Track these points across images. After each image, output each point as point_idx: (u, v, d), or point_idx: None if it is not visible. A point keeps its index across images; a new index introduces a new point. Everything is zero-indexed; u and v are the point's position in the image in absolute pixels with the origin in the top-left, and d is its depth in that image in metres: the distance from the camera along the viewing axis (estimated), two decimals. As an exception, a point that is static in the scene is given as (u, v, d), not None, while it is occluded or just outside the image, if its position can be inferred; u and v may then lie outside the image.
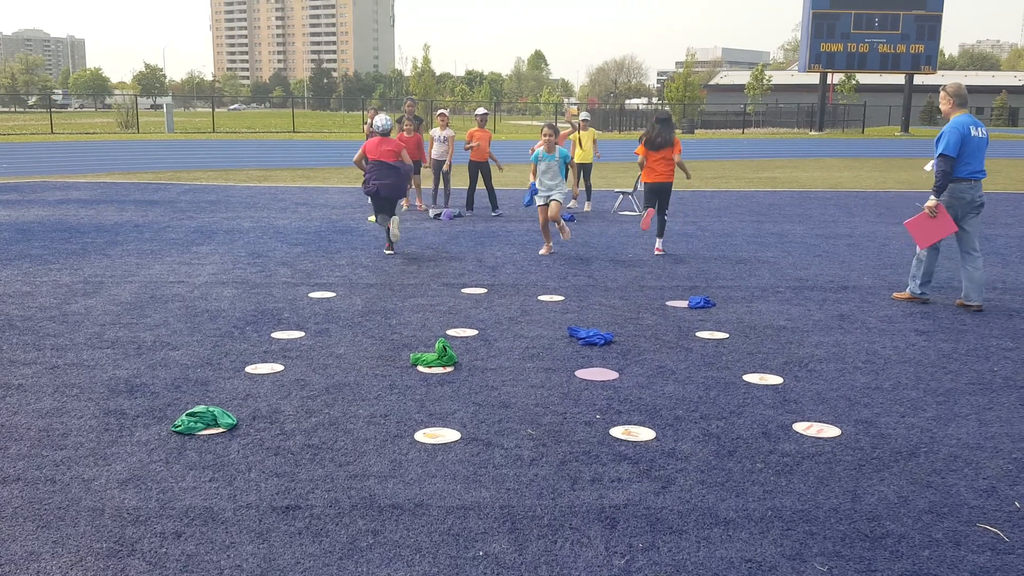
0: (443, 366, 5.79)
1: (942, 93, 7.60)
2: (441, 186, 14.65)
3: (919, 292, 7.90)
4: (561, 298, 7.96)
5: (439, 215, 13.47)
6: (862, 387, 5.50)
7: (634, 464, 4.26)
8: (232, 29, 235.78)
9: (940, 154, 7.34)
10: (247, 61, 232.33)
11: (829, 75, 52.75)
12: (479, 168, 14.01)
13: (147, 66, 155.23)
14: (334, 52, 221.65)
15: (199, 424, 4.63)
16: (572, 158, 13.48)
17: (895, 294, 8.15)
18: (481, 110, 14.85)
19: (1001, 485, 4.08)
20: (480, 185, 14.09)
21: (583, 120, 14.88)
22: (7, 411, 4.92)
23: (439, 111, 14.83)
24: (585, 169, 14.94)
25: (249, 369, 5.73)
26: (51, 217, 13.17)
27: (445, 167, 14.47)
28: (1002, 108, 72.83)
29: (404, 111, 15.47)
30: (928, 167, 8.27)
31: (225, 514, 3.70)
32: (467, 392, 5.32)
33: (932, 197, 7.39)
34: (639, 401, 5.18)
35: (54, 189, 17.21)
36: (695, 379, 5.62)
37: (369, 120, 15.73)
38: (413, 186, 14.55)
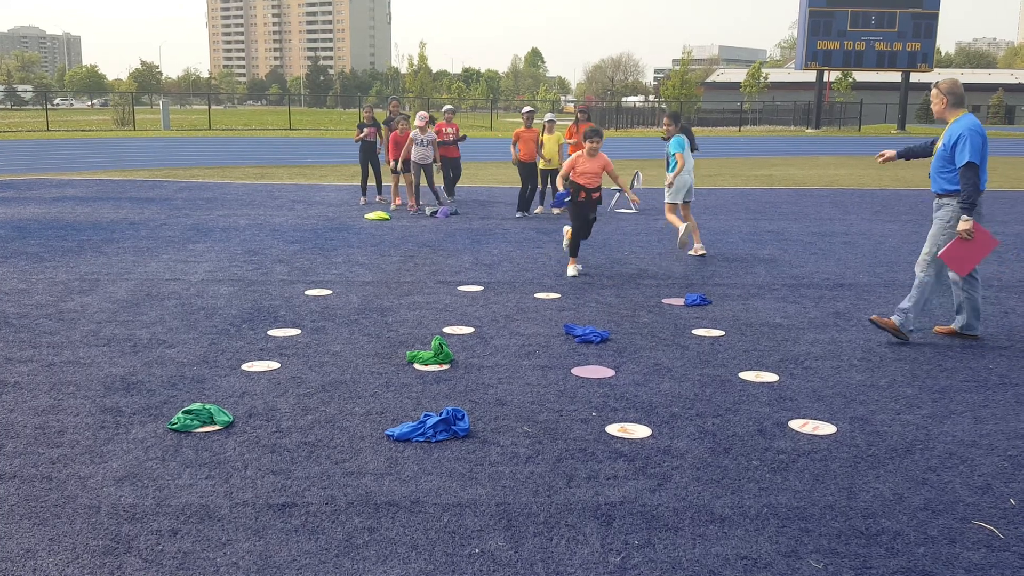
0: (439, 364, 5.79)
1: (934, 91, 6.47)
2: (439, 184, 14.58)
3: (960, 326, 6.65)
4: (557, 296, 7.97)
5: (435, 213, 13.46)
6: (858, 384, 5.51)
7: (630, 461, 4.27)
8: (228, 26, 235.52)
9: (967, 163, 6.09)
10: (243, 58, 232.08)
11: (826, 73, 52.80)
12: (528, 169, 13.53)
13: (143, 63, 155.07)
14: (331, 49, 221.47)
15: (195, 422, 4.63)
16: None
17: (937, 328, 6.84)
18: (527, 108, 13.94)
19: (996, 482, 4.09)
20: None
21: (548, 121, 13.52)
22: (3, 409, 4.92)
23: (425, 115, 13.96)
24: (553, 175, 13.44)
25: (245, 367, 5.73)
26: (47, 215, 13.15)
27: (437, 166, 14.20)
28: (998, 106, 73.01)
29: (390, 111, 15.34)
30: None
31: (221, 511, 3.70)
32: (463, 390, 5.32)
33: (964, 217, 6.13)
34: (635, 398, 5.18)
35: (50, 186, 17.18)
36: (691, 376, 5.63)
37: (365, 117, 15.66)
38: (406, 184, 14.52)
